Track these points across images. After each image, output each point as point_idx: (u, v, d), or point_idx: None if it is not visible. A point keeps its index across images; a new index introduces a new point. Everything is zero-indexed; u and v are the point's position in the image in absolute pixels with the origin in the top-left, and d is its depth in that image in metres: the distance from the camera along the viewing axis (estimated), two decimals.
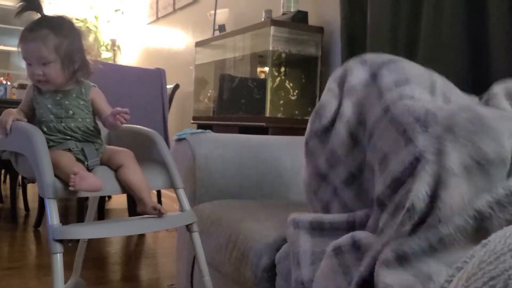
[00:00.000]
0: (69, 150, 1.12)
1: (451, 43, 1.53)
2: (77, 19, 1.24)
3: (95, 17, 5.13)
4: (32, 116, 1.18)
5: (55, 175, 1.04)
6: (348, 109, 0.95)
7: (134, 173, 1.13)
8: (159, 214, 1.12)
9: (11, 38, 5.84)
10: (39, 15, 1.16)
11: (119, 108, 1.13)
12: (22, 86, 3.15)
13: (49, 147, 1.09)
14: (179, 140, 1.56)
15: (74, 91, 1.17)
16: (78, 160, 1.12)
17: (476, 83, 1.50)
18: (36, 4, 1.15)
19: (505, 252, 0.40)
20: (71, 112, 1.15)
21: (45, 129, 1.13)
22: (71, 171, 1.02)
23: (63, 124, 1.14)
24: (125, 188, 1.13)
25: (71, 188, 1.00)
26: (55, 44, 1.10)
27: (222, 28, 2.81)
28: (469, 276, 0.40)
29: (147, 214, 1.13)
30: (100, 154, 1.18)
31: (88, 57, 1.18)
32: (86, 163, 1.13)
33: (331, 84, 1.01)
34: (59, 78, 1.13)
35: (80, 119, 1.15)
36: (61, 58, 1.11)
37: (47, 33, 1.10)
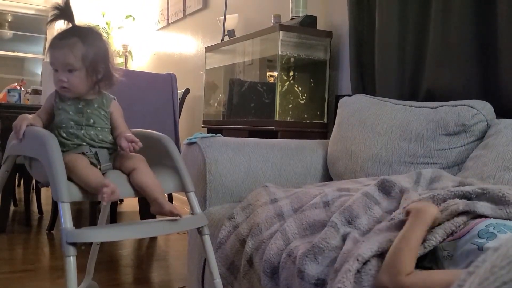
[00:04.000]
0: (83, 153, 1.15)
1: (460, 47, 1.53)
2: (89, 25, 1.28)
3: (107, 24, 5.19)
4: (49, 123, 1.20)
5: (68, 179, 1.06)
6: None
7: (146, 175, 1.15)
8: (177, 216, 1.14)
9: (25, 44, 5.94)
10: (69, 25, 1.18)
11: (134, 137, 1.15)
12: (36, 92, 3.20)
13: (65, 151, 1.12)
14: (190, 144, 1.57)
15: (96, 101, 1.19)
16: (91, 163, 1.14)
17: (484, 86, 1.50)
18: (69, 14, 1.18)
19: None
20: (91, 121, 1.17)
21: (63, 135, 1.15)
22: (90, 178, 1.06)
23: (82, 131, 1.16)
24: (138, 190, 1.15)
25: (101, 199, 1.04)
26: (82, 53, 1.13)
27: (231, 33, 2.83)
28: (481, 281, 0.40)
29: (162, 215, 1.15)
30: (113, 159, 1.20)
31: (111, 68, 1.20)
32: (98, 166, 1.16)
33: None
34: (81, 87, 1.15)
35: (99, 128, 1.18)
36: (86, 67, 1.14)
37: (76, 42, 1.13)
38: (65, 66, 1.13)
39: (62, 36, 1.15)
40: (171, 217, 1.14)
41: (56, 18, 1.18)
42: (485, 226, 0.82)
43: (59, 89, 1.16)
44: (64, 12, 1.18)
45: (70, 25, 1.18)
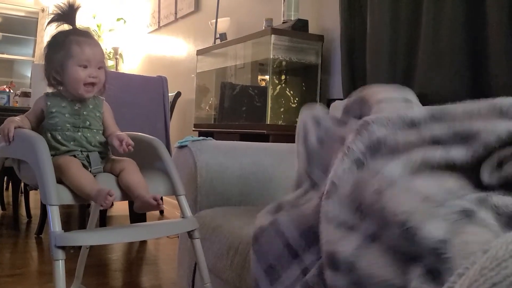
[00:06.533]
0: (74, 156, 1.14)
1: (451, 50, 1.54)
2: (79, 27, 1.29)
3: (98, 26, 5.16)
4: (37, 126, 1.19)
5: (58, 181, 1.05)
6: None
7: (133, 174, 1.14)
8: (158, 206, 1.08)
9: (14, 46, 5.88)
10: (66, 27, 1.21)
11: (126, 136, 1.16)
12: (25, 94, 3.17)
13: (54, 155, 1.11)
14: (181, 147, 1.57)
15: (90, 102, 1.20)
16: (83, 165, 1.14)
17: (475, 91, 1.51)
18: (72, 19, 1.21)
19: (507, 258, 0.40)
20: (88, 122, 1.17)
21: (58, 137, 1.14)
22: (83, 182, 1.05)
23: (79, 133, 1.16)
24: (124, 189, 1.13)
25: (101, 204, 1.04)
26: (103, 53, 1.20)
27: (223, 36, 2.83)
28: (470, 283, 0.40)
29: (145, 209, 1.11)
30: (104, 162, 1.19)
31: None
32: (89, 169, 1.15)
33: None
34: (102, 85, 1.19)
35: (95, 130, 1.19)
36: (105, 67, 1.19)
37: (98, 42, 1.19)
38: (98, 63, 1.16)
39: (87, 34, 1.18)
40: (161, 218, 1.13)
41: (57, 20, 1.19)
42: None
43: (87, 85, 1.15)
44: (67, 16, 1.20)
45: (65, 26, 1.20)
